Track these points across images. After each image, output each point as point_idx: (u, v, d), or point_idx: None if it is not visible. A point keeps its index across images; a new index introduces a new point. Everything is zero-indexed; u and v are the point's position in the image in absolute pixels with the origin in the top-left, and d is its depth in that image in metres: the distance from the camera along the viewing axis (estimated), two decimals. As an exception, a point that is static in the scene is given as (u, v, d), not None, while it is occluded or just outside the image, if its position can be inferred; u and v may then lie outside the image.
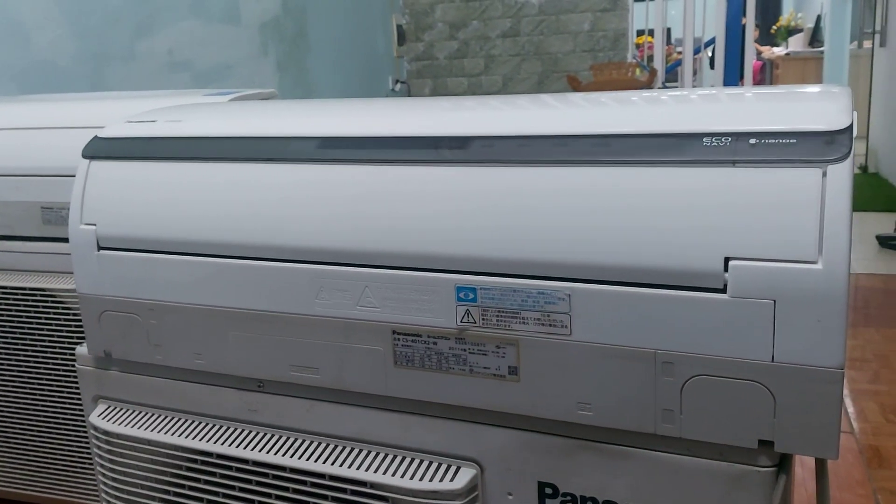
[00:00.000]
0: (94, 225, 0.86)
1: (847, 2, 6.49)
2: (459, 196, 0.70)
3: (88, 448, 1.34)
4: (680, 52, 5.67)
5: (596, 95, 0.76)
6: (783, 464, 0.64)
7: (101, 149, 0.88)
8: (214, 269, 0.80)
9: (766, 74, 8.13)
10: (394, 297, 0.73)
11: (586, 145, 0.67)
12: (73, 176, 1.34)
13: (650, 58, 5.32)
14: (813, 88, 0.68)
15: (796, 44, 7.87)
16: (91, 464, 1.35)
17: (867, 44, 5.59)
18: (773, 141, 0.61)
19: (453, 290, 0.71)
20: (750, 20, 4.14)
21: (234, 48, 2.80)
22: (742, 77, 4.23)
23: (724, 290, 0.61)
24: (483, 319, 0.70)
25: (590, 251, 0.65)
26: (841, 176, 0.58)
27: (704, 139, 0.63)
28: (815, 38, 7.57)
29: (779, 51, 8.01)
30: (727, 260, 0.60)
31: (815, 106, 0.63)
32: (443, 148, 0.72)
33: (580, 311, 0.66)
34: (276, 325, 0.79)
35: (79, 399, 1.31)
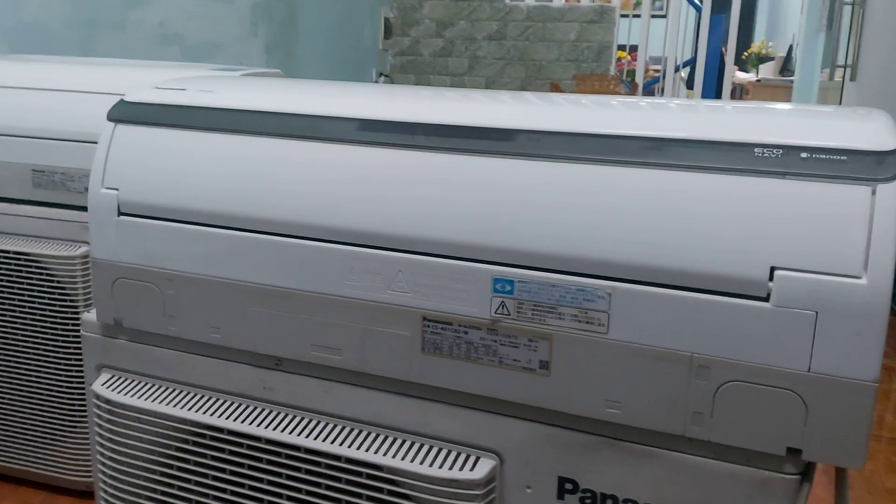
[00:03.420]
0: (116, 190, 0.84)
1: (819, 34, 6.64)
2: (504, 188, 0.70)
3: (74, 419, 1.31)
4: (657, 70, 5.75)
5: (651, 99, 0.77)
6: (807, 472, 0.65)
7: (128, 113, 0.86)
8: (240, 242, 0.79)
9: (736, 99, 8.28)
10: (427, 284, 0.73)
11: (638, 146, 0.67)
12: (68, 140, 1.32)
13: (628, 73, 5.38)
14: (860, 109, 0.69)
15: (767, 71, 8.03)
16: (77, 435, 1.32)
17: (838, 77, 5.72)
18: (824, 156, 0.62)
19: (490, 281, 0.71)
20: (731, 48, 4.23)
21: (224, 26, 2.76)
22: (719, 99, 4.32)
23: (766, 299, 0.62)
24: (518, 312, 0.70)
25: (635, 251, 0.66)
26: (890, 195, 0.60)
27: (756, 150, 0.64)
28: (786, 67, 7.73)
29: (750, 77, 8.16)
30: (773, 269, 0.62)
31: (865, 126, 0.64)
32: (493, 139, 0.72)
33: (619, 310, 0.67)
34: (299, 303, 0.78)
35: (61, 368, 1.28)
